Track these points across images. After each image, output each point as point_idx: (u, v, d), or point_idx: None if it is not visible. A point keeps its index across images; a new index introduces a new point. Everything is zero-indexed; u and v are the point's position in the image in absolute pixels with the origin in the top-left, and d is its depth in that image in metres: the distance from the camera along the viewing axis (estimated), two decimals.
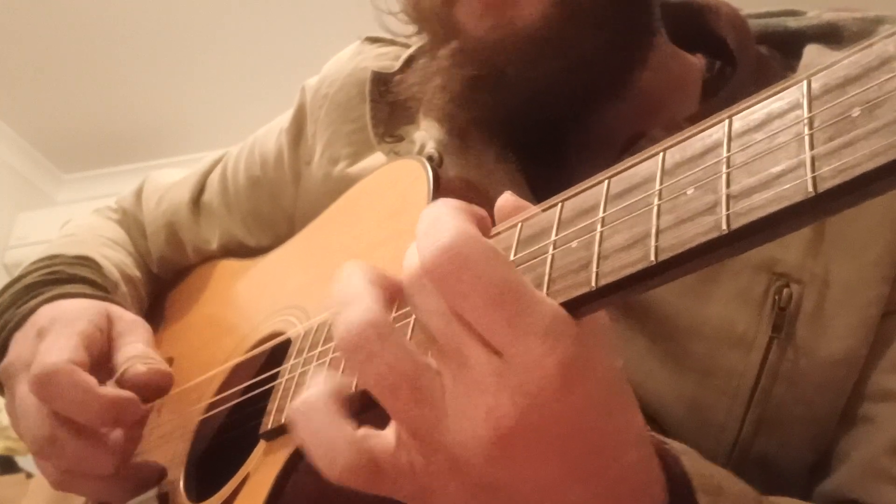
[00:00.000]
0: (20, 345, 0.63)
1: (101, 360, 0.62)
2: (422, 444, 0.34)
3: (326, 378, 0.37)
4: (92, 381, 0.56)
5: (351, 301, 0.34)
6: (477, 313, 0.31)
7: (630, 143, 0.60)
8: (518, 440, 0.32)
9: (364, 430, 0.35)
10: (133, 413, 0.58)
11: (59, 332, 0.60)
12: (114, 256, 0.82)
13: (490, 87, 0.59)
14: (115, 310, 0.66)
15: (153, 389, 0.61)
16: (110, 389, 0.57)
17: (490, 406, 0.31)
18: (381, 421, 0.36)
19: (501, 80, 0.58)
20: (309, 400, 0.36)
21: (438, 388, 0.33)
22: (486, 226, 0.35)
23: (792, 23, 0.65)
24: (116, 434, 0.59)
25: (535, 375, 0.31)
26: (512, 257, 0.35)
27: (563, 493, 0.34)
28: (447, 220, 0.32)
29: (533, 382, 0.31)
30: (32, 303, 0.67)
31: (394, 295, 0.36)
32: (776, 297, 0.53)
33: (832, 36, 0.61)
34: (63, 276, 0.72)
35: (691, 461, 0.40)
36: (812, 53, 0.62)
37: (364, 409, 0.37)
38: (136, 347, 0.63)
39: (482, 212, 0.35)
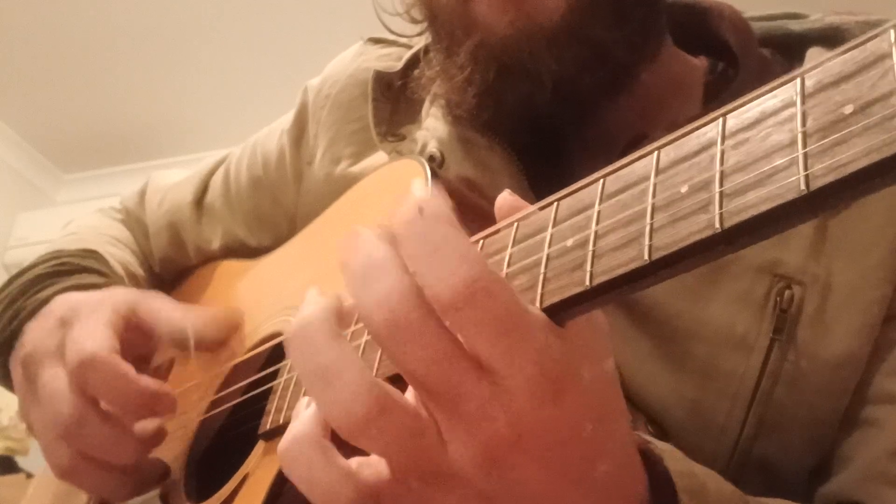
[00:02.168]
0: (38, 333, 0.62)
1: (127, 349, 0.61)
2: (419, 470, 0.34)
3: (311, 405, 0.36)
4: (131, 369, 0.56)
5: (379, 271, 0.31)
6: (484, 343, 0.30)
7: (631, 146, 0.60)
8: (514, 456, 0.32)
9: (357, 461, 0.35)
10: (169, 405, 0.58)
11: (86, 320, 0.59)
12: (118, 254, 0.82)
13: (515, 81, 0.58)
14: (131, 292, 0.65)
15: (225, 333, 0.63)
16: (150, 380, 0.57)
17: (488, 433, 0.31)
18: None
19: (525, 73, 0.58)
20: (296, 436, 0.35)
21: (433, 427, 0.33)
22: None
23: (794, 26, 0.65)
24: (144, 426, 0.58)
25: (527, 393, 0.31)
26: (507, 257, 0.35)
27: (557, 498, 0.34)
28: (457, 246, 0.29)
29: (526, 400, 0.31)
30: (46, 292, 0.66)
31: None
32: (777, 299, 0.53)
33: (835, 39, 0.61)
34: (72, 266, 0.72)
35: (675, 461, 0.40)
36: (815, 57, 0.61)
37: None
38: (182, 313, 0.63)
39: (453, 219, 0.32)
